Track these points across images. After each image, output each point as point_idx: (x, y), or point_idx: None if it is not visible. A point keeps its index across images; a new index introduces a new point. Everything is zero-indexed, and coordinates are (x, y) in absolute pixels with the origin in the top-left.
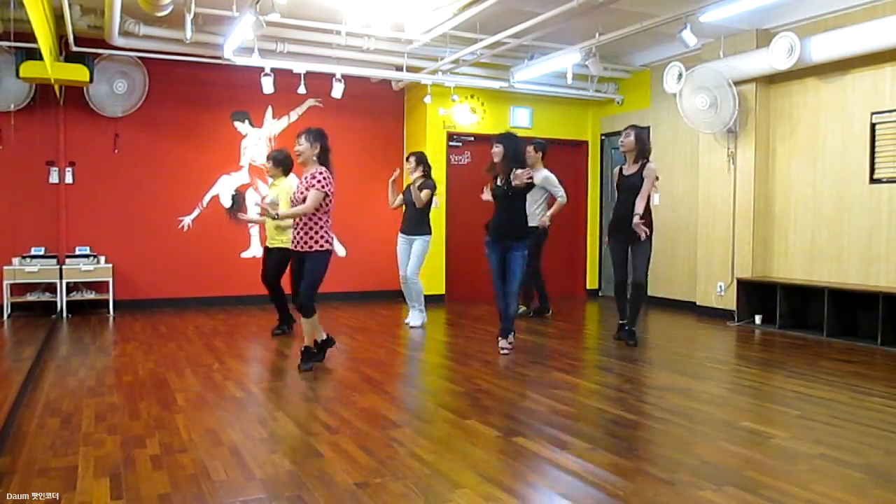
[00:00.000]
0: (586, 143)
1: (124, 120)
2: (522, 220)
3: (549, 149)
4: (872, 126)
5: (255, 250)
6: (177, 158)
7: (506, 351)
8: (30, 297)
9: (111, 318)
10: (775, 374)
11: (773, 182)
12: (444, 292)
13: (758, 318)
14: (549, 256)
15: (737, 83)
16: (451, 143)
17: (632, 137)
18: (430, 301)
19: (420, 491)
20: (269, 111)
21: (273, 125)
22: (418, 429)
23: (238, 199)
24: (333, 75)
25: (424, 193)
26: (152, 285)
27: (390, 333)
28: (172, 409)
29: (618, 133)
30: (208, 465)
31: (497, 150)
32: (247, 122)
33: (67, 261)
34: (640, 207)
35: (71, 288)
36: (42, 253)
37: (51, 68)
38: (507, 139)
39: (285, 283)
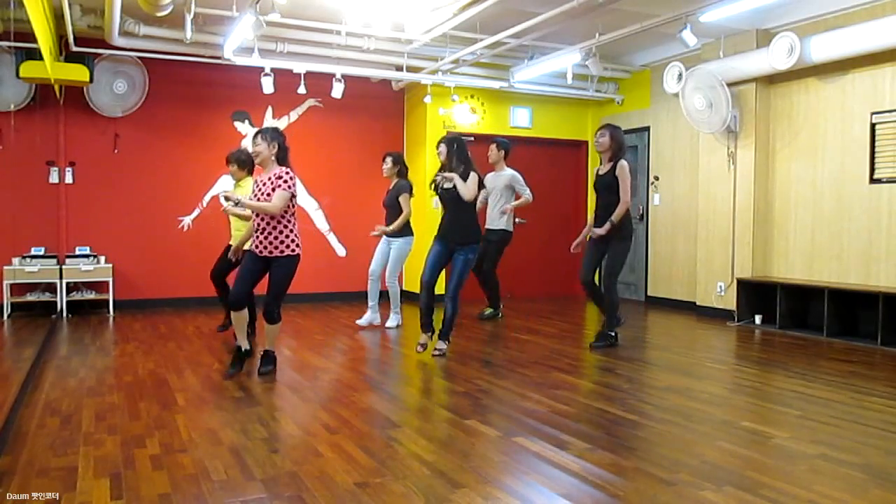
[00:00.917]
0: (586, 143)
1: (124, 120)
2: (467, 223)
3: (512, 147)
4: (872, 126)
5: None
6: (177, 158)
7: (436, 353)
8: (30, 297)
9: (111, 318)
10: (775, 374)
11: (773, 182)
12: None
13: (758, 318)
14: (548, 256)
15: (737, 83)
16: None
17: (607, 137)
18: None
19: (420, 491)
20: (269, 111)
21: (273, 125)
22: (418, 429)
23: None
24: (333, 75)
25: (407, 201)
26: (152, 285)
27: (390, 333)
28: (172, 409)
29: None
30: (208, 465)
31: (441, 150)
32: (247, 122)
33: (67, 261)
34: (619, 213)
35: (71, 288)
36: (42, 253)
37: (51, 68)
38: (450, 142)
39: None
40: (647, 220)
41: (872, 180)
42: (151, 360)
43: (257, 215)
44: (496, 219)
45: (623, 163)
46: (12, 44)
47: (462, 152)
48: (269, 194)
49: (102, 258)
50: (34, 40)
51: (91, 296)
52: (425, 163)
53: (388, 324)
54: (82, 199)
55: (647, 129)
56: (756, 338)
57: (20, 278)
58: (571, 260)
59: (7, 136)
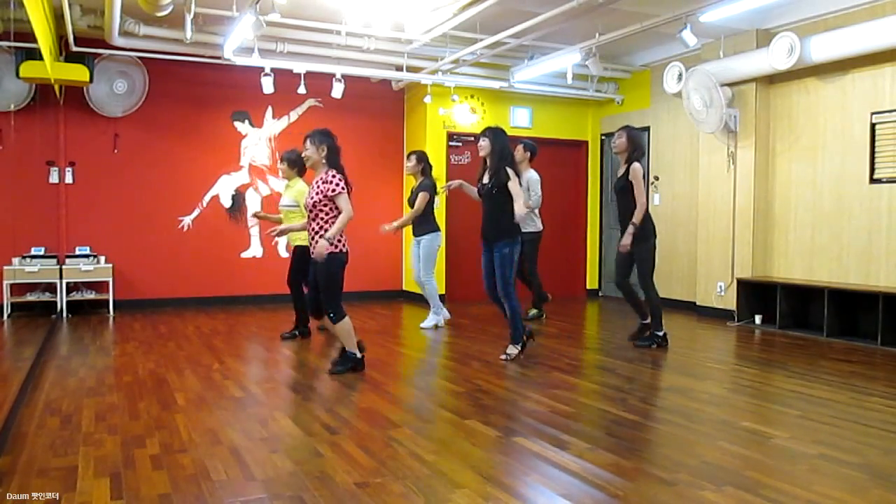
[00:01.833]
0: (586, 143)
1: (124, 120)
2: (499, 219)
3: (538, 151)
4: (872, 126)
5: (255, 250)
6: (177, 158)
7: (504, 358)
8: (30, 297)
9: (111, 318)
10: (775, 374)
11: (773, 182)
12: (443, 292)
13: (758, 318)
14: (548, 256)
15: (737, 83)
16: (451, 143)
17: (624, 139)
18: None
19: (420, 491)
20: (269, 111)
21: (273, 125)
22: (418, 429)
23: (238, 199)
24: (333, 75)
25: (419, 198)
26: (152, 285)
27: (390, 333)
28: (172, 409)
29: None
30: (208, 465)
31: (483, 143)
32: (247, 122)
33: (67, 261)
34: (637, 216)
35: (71, 288)
36: (42, 253)
37: (51, 68)
38: (495, 134)
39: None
40: None
41: (872, 180)
42: (151, 360)
43: (319, 220)
44: (526, 220)
45: (636, 165)
46: (12, 44)
47: (505, 148)
48: (319, 195)
49: (102, 258)
50: (34, 40)
51: (91, 296)
52: None
53: (424, 324)
54: (82, 199)
55: (647, 129)
56: (756, 338)
57: (20, 278)
58: (572, 260)
59: (7, 136)
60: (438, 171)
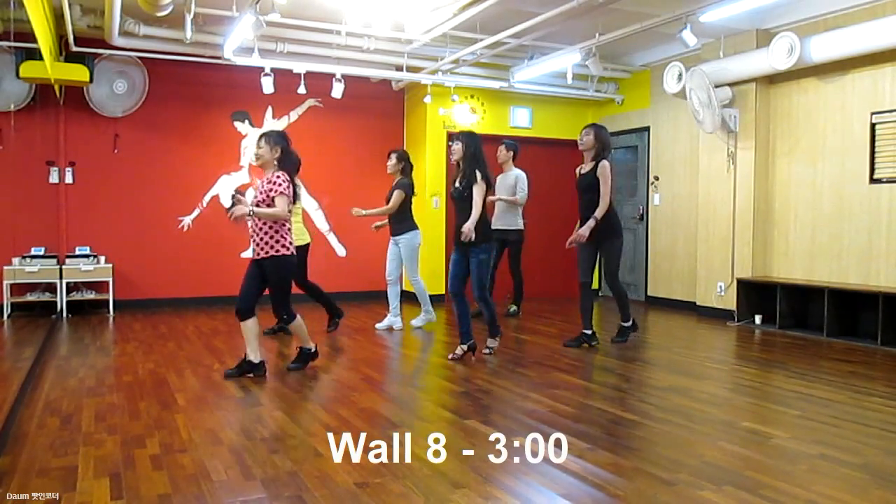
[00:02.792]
0: None
1: (124, 120)
2: (478, 223)
3: (520, 149)
4: (872, 126)
5: None
6: (177, 158)
7: (487, 352)
8: (30, 297)
9: (111, 318)
10: (775, 374)
11: (773, 182)
12: (444, 292)
13: (758, 318)
14: (548, 256)
15: (737, 83)
16: (450, 144)
17: (591, 136)
18: (431, 301)
19: (420, 491)
20: (269, 111)
21: (273, 125)
22: (418, 429)
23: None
24: (333, 75)
25: (395, 196)
26: (152, 285)
27: (390, 333)
28: (172, 409)
29: (618, 133)
30: (208, 465)
31: (456, 147)
32: (247, 122)
33: (67, 261)
34: (600, 211)
35: (71, 288)
36: (42, 253)
37: (51, 68)
38: (468, 137)
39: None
40: (647, 220)
41: (872, 180)
42: (151, 360)
43: (257, 220)
44: (512, 219)
45: (605, 163)
46: (12, 44)
47: (478, 152)
48: (259, 198)
49: (102, 258)
50: (34, 40)
51: (91, 296)
52: (425, 163)
53: (414, 322)
54: (82, 199)
55: (647, 129)
56: (756, 338)
57: (20, 278)
58: (571, 260)
59: (7, 136)
60: (438, 171)
